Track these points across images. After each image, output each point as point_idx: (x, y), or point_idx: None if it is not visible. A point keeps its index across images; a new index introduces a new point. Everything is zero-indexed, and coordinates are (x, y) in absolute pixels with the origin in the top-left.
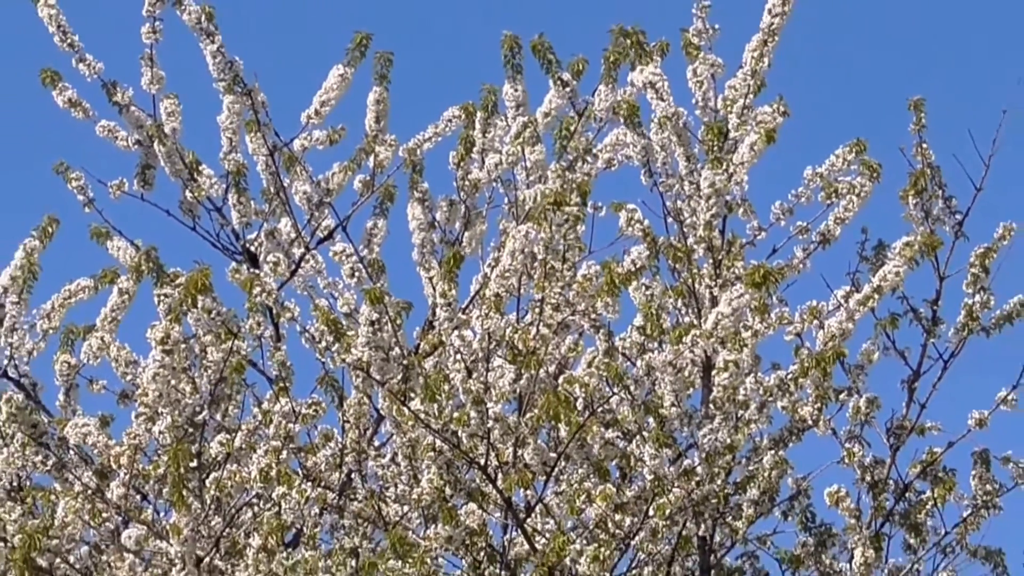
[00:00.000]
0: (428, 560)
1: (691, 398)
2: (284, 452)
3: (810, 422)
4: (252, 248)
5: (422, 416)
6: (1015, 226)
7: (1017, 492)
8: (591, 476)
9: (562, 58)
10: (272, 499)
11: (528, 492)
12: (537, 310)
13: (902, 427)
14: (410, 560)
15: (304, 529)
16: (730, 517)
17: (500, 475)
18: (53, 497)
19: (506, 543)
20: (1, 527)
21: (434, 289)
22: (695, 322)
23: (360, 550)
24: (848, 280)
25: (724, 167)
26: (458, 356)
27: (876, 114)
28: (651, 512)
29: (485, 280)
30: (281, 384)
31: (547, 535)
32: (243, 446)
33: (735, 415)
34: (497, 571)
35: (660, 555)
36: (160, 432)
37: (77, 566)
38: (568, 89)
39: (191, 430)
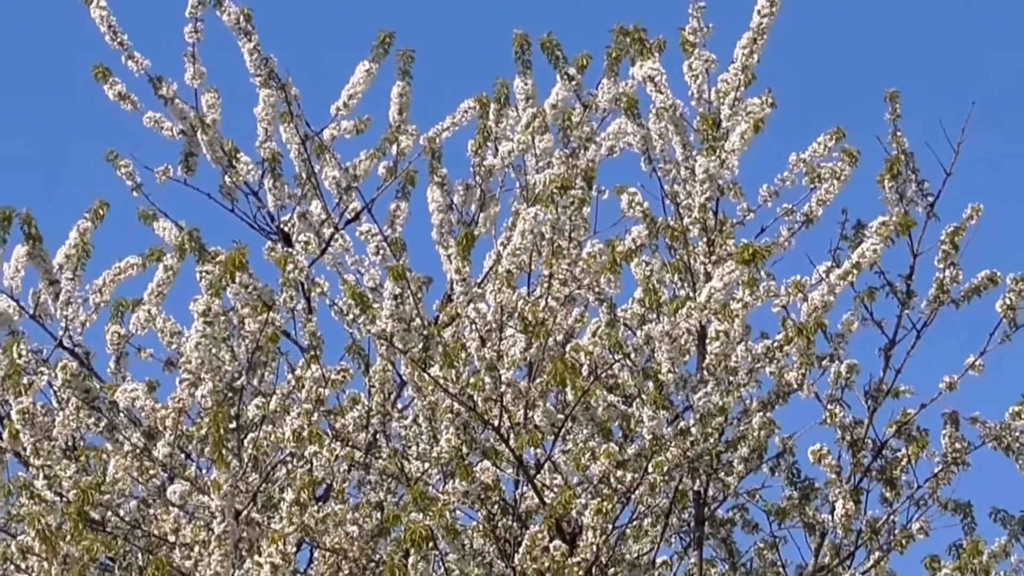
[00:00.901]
0: (446, 513)
1: (686, 365)
2: (315, 414)
3: (795, 386)
4: (286, 228)
5: (441, 381)
6: (982, 207)
7: (984, 449)
8: (595, 436)
9: (568, 54)
10: (304, 457)
11: (538, 450)
12: (545, 285)
13: (879, 390)
14: (430, 513)
15: (334, 484)
16: (722, 473)
17: (512, 435)
18: (105, 456)
19: (518, 497)
20: (58, 483)
21: (451, 265)
22: (690, 295)
23: (384, 504)
24: (829, 257)
25: (717, 154)
26: (473, 327)
27: (855, 105)
28: (650, 469)
29: (498, 257)
30: (312, 352)
31: (555, 490)
32: (278, 409)
33: (727, 380)
34: (509, 523)
35: (658, 508)
36: (202, 396)
37: (126, 519)
38: (574, 83)
39: (230, 394)
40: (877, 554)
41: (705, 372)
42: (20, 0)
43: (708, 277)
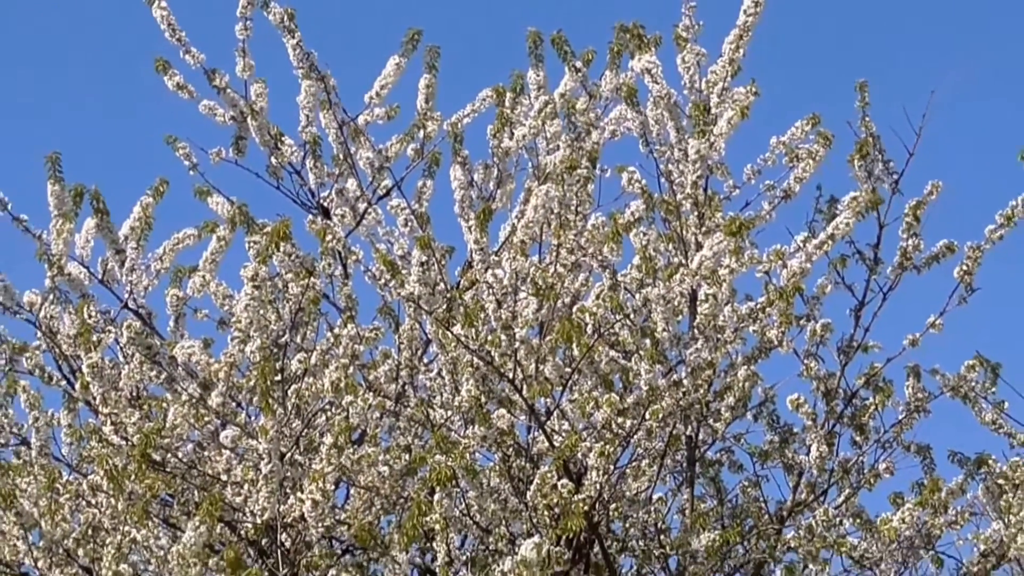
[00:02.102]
0: (467, 455)
1: (679, 324)
2: (351, 368)
3: (776, 343)
4: (325, 204)
5: (462, 339)
6: (941, 184)
7: (943, 398)
8: (598, 387)
9: (575, 49)
10: (341, 406)
11: (548, 400)
12: (554, 253)
13: (850, 346)
14: (452, 455)
15: (367, 430)
16: (711, 420)
17: (525, 386)
18: (165, 405)
19: (530, 441)
20: (123, 429)
21: (471, 236)
22: (683, 262)
23: (412, 447)
24: (806, 228)
25: (707, 137)
26: (491, 290)
27: (829, 93)
28: (647, 416)
29: (513, 229)
30: (348, 313)
31: (563, 434)
32: (317, 363)
33: (715, 338)
34: (522, 464)
35: (654, 450)
36: (251, 352)
37: (184, 460)
38: (580, 74)
39: (276, 350)
40: (848, 491)
41: (696, 330)
42: (89, 1)
43: (699, 246)
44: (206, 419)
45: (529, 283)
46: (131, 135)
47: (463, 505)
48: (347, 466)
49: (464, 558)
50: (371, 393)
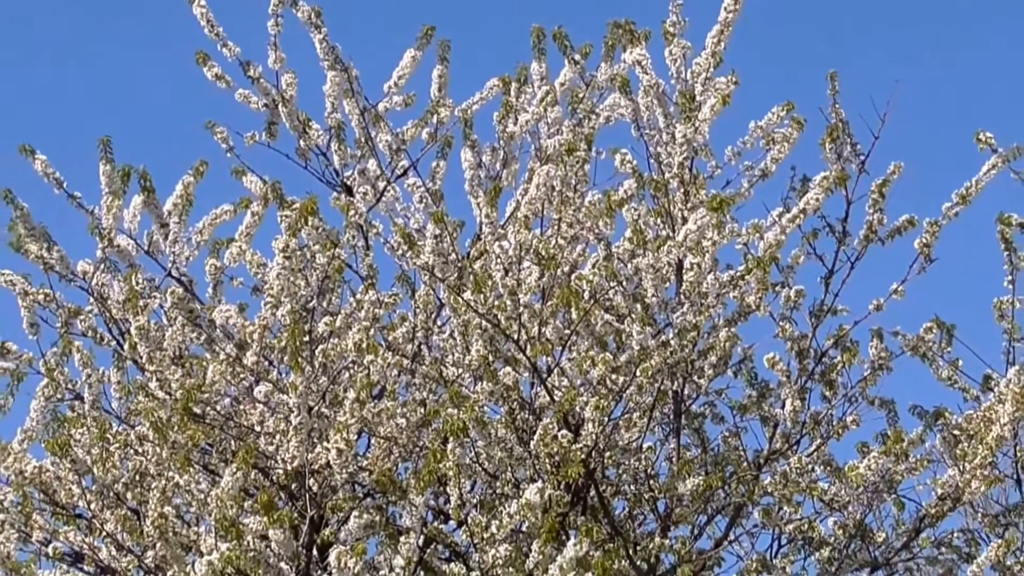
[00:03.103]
0: (476, 408)
1: (667, 290)
2: (372, 330)
3: (753, 307)
4: (348, 182)
5: (472, 303)
6: (903, 164)
7: (904, 357)
8: (594, 347)
9: (574, 43)
10: (363, 364)
11: (549, 358)
12: (555, 227)
13: (820, 310)
14: (463, 408)
15: (386, 386)
16: (695, 376)
17: (528, 346)
18: (204, 363)
19: (532, 395)
20: (167, 385)
21: (480, 211)
22: (670, 235)
23: (427, 401)
24: (781, 204)
25: (692, 122)
26: (498, 260)
27: (803, 82)
28: (638, 373)
29: (517, 205)
30: (369, 281)
31: (562, 390)
32: (342, 326)
33: (699, 303)
34: (526, 416)
35: (644, 404)
36: (282, 315)
37: (222, 413)
38: (578, 66)
39: (304, 314)
40: (819, 441)
41: (682, 296)
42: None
43: (684, 221)
44: (241, 376)
45: (532, 254)
46: (174, 121)
47: (473, 454)
48: (368, 418)
49: (474, 501)
50: (390, 352)
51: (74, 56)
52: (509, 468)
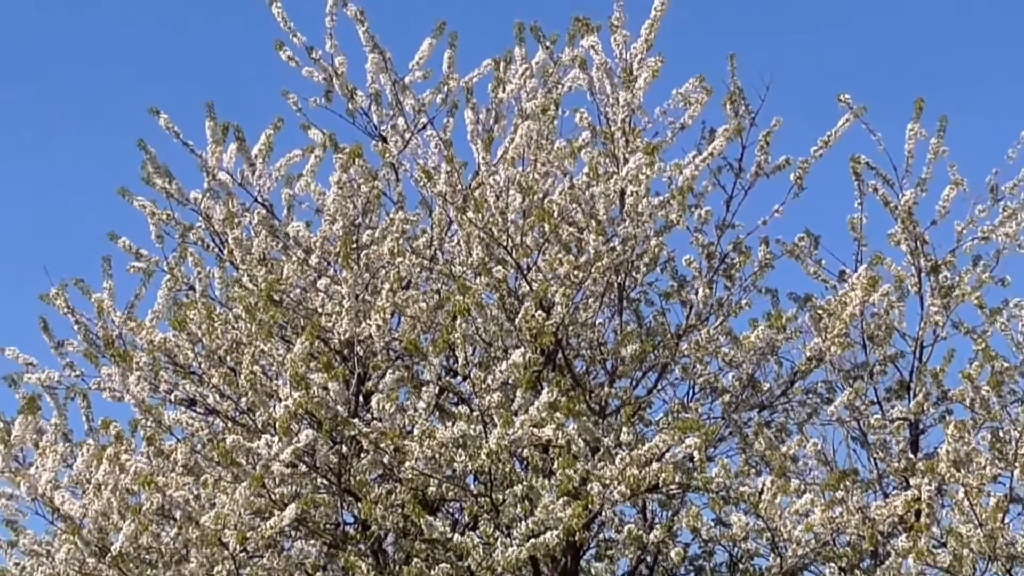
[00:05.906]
0: (476, 295)
1: (614, 210)
2: (401, 240)
3: (675, 223)
4: (384, 134)
5: (473, 220)
6: (781, 119)
7: (784, 258)
8: (561, 251)
9: (546, 33)
10: (395, 264)
11: (528, 260)
12: (533, 166)
13: (723, 225)
14: (467, 295)
15: (412, 280)
16: (634, 272)
17: (514, 251)
18: (281, 264)
19: (517, 286)
20: (255, 279)
21: (479, 154)
22: (616, 171)
23: (441, 291)
24: (695, 149)
25: (631, 90)
26: (492, 189)
27: (711, 60)
28: (593, 271)
29: (506, 150)
30: (399, 204)
31: (538, 281)
32: (380, 236)
33: (637, 219)
34: (512, 301)
35: (597, 292)
36: (338, 228)
37: (294, 299)
38: (548, 50)
39: (352, 228)
40: (721, 319)
41: (624, 215)
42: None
43: (626, 161)
44: (308, 273)
45: (516, 185)
46: (260, 89)
47: (474, 328)
48: (399, 303)
49: (475, 362)
50: (414, 256)
51: (189, 46)
52: (500, 338)
